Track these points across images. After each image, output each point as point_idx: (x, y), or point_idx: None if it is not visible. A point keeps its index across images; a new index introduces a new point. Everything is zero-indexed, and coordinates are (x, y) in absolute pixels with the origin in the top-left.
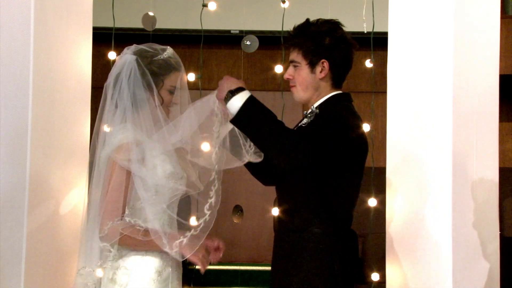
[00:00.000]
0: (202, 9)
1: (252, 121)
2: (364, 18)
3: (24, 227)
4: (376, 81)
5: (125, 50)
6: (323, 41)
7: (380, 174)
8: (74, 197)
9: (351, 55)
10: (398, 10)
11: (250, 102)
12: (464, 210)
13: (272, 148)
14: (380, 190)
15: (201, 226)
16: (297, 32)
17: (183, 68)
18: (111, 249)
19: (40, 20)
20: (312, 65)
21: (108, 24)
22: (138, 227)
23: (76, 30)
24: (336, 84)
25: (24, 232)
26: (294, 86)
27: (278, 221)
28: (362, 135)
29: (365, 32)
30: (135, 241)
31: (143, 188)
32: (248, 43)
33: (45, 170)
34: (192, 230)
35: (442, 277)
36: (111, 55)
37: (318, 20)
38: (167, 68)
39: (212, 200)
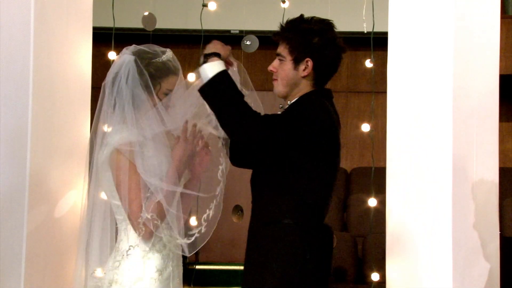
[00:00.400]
0: (202, 9)
1: (219, 95)
2: (364, 18)
3: (24, 227)
4: (376, 81)
5: (124, 50)
6: (312, 40)
7: (380, 174)
8: (74, 197)
9: (337, 58)
10: (398, 10)
11: (221, 76)
12: (464, 210)
13: (229, 123)
14: (380, 190)
15: (219, 194)
16: (289, 26)
17: (181, 71)
18: (136, 244)
19: (40, 20)
20: (296, 62)
21: (108, 24)
22: (155, 221)
23: (76, 30)
24: (317, 84)
25: (24, 232)
26: (276, 79)
27: (251, 214)
28: (326, 127)
29: (365, 32)
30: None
31: (150, 176)
32: (248, 43)
33: (45, 170)
34: (214, 201)
35: (442, 277)
36: (111, 55)
37: (312, 17)
38: (164, 71)
39: (223, 166)
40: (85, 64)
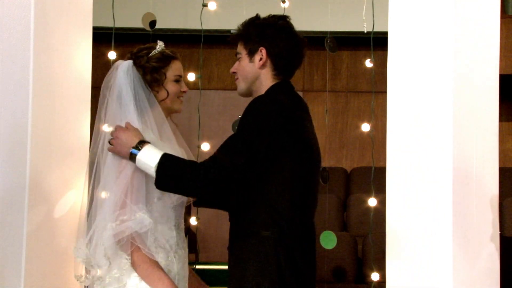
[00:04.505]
0: (202, 9)
1: (173, 178)
2: (364, 18)
3: (24, 227)
4: (376, 81)
5: (118, 62)
6: (264, 31)
7: (380, 174)
8: (74, 196)
9: (294, 46)
10: (398, 10)
11: (163, 161)
12: (464, 210)
13: (199, 190)
14: (380, 190)
15: None
16: (243, 25)
17: (178, 56)
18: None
19: (40, 20)
20: (251, 53)
21: (108, 24)
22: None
23: (76, 30)
24: (278, 76)
25: (24, 232)
26: (237, 79)
27: (230, 226)
28: (286, 127)
29: (365, 32)
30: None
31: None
32: None
33: (45, 170)
34: None
35: (442, 277)
36: (111, 55)
37: (269, 15)
38: (165, 59)
39: None
40: (85, 64)
